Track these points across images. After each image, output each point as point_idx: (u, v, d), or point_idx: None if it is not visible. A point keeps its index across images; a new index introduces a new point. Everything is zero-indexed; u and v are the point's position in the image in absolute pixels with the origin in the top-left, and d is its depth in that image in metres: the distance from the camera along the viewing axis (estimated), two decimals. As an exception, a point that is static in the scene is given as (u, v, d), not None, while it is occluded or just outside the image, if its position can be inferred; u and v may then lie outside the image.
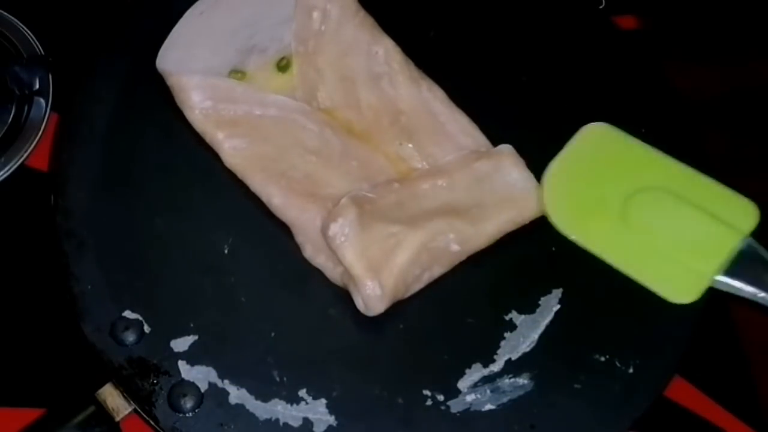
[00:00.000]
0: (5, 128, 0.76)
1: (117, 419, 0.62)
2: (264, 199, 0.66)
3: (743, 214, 0.62)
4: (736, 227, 0.61)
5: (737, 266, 0.60)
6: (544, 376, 0.63)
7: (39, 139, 0.77)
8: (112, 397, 0.62)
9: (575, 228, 0.63)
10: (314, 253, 0.65)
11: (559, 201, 0.64)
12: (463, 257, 0.65)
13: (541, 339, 0.64)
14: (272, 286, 0.65)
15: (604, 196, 0.63)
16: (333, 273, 0.64)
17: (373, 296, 0.62)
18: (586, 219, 0.63)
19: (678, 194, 0.63)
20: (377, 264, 0.62)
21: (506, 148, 0.68)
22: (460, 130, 0.69)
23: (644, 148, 0.66)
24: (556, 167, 0.65)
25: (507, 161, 0.68)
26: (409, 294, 0.64)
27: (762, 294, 0.59)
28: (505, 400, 0.62)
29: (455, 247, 0.64)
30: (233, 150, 0.67)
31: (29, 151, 0.76)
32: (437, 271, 0.65)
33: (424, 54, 0.71)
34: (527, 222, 0.67)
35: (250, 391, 0.60)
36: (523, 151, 0.68)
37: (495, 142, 0.70)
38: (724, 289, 0.61)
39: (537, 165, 0.68)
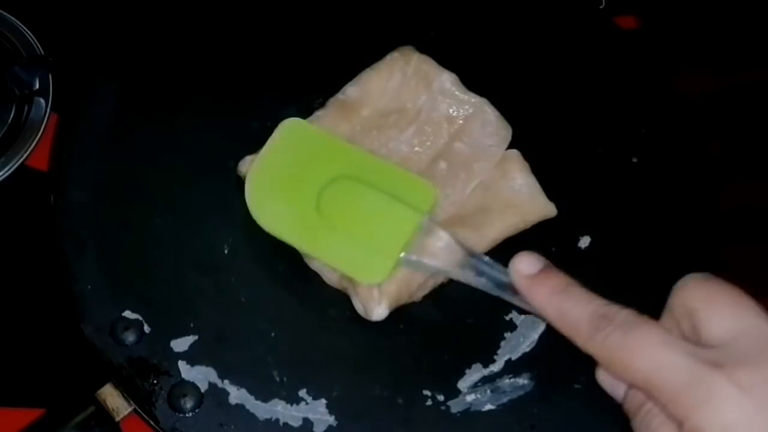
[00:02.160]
0: (5, 128, 0.76)
1: (117, 419, 0.62)
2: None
3: (423, 195, 0.63)
4: (417, 207, 0.62)
5: (419, 243, 0.61)
6: (544, 377, 0.63)
7: (39, 139, 0.76)
8: (112, 397, 0.62)
9: (278, 225, 0.64)
10: (313, 258, 0.65)
11: (261, 200, 0.64)
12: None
13: (541, 339, 0.64)
14: (272, 286, 0.65)
15: (301, 193, 0.64)
16: (331, 276, 0.64)
17: (371, 301, 0.62)
18: (286, 215, 0.64)
19: (364, 182, 0.64)
20: None
21: (513, 154, 0.68)
22: None
23: (334, 140, 0.66)
24: (257, 166, 0.65)
25: (513, 167, 0.67)
26: (413, 300, 0.64)
27: (441, 267, 0.60)
28: (505, 400, 0.62)
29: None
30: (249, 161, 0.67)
31: (29, 151, 0.76)
32: (441, 278, 0.65)
33: (425, 53, 0.71)
34: (530, 226, 0.67)
35: (250, 391, 0.60)
36: (520, 151, 0.68)
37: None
38: (413, 267, 0.62)
39: (536, 165, 0.68)
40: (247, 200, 0.64)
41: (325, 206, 0.63)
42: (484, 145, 0.68)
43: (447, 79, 0.69)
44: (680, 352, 0.43)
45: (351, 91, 0.69)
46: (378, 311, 0.61)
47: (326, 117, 0.68)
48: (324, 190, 0.63)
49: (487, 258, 0.58)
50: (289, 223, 0.63)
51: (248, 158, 0.66)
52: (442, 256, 0.60)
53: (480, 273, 0.58)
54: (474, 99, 0.69)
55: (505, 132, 0.69)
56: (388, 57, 0.70)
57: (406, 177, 0.65)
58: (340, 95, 0.69)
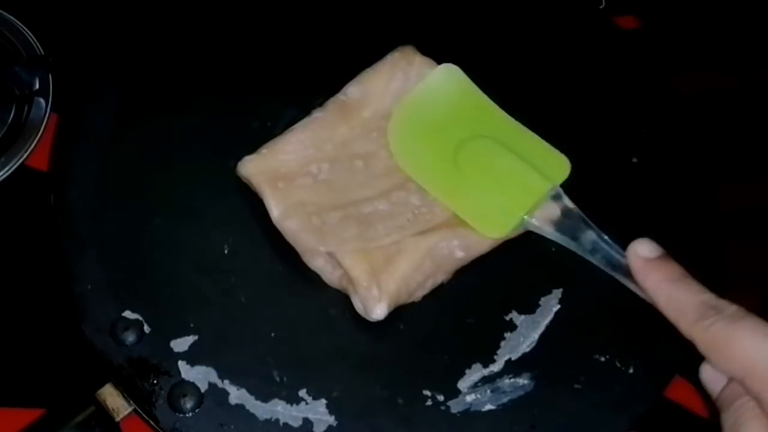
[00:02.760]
0: (5, 128, 0.76)
1: (117, 419, 0.62)
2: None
3: (557, 166, 0.66)
4: (548, 176, 0.65)
5: (544, 210, 0.64)
6: (544, 377, 0.63)
7: (39, 139, 0.77)
8: (112, 397, 0.62)
9: (416, 168, 0.66)
10: (312, 256, 0.65)
11: (403, 142, 0.67)
12: (467, 263, 0.65)
13: (541, 339, 0.64)
14: (272, 287, 0.65)
15: (442, 140, 0.67)
16: (331, 276, 0.64)
17: (372, 300, 0.62)
18: (425, 160, 0.67)
19: (503, 143, 0.67)
20: (378, 268, 0.62)
21: None
22: None
23: (483, 98, 0.69)
24: (405, 103, 0.68)
25: None
26: (412, 300, 0.64)
27: (560, 236, 0.63)
28: (505, 400, 0.62)
29: (459, 254, 0.64)
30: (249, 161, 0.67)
31: (29, 151, 0.76)
32: (441, 277, 0.65)
33: (425, 53, 0.71)
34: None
35: (250, 391, 0.61)
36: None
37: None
38: (532, 228, 0.64)
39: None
40: (389, 137, 0.67)
41: (461, 158, 0.66)
42: None
43: None
44: None
45: (352, 91, 0.69)
46: (378, 310, 0.62)
47: (326, 117, 0.68)
48: (464, 143, 0.66)
49: (606, 236, 0.61)
50: (425, 166, 0.66)
51: (247, 159, 0.66)
52: (562, 226, 0.63)
53: (595, 250, 0.60)
54: None
55: None
56: (389, 57, 0.70)
57: (543, 147, 0.68)
58: (340, 95, 0.69)
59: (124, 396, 0.62)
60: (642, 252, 0.52)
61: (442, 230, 0.64)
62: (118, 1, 0.83)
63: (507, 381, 0.62)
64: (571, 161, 0.68)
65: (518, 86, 0.73)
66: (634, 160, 0.72)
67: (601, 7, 0.87)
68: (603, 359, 0.63)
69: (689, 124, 0.74)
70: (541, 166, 0.66)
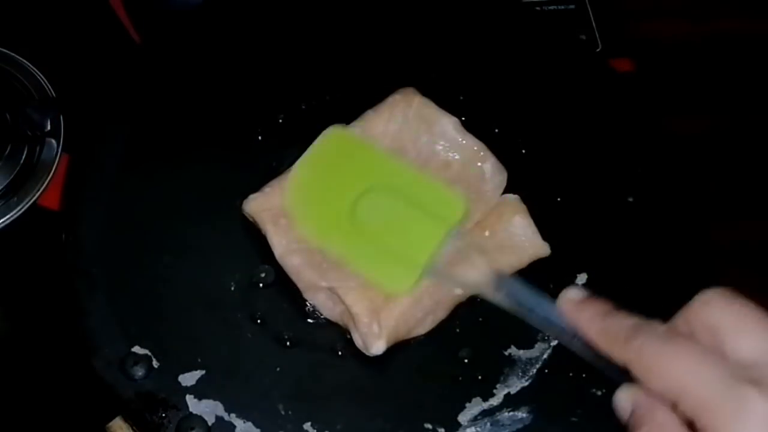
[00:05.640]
0: (18, 168, 0.77)
1: (126, 452, 0.63)
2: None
3: (452, 206, 0.64)
4: (444, 218, 0.63)
5: (449, 255, 0.62)
6: (543, 410, 0.64)
7: (50, 179, 0.77)
8: (121, 430, 0.63)
9: (317, 231, 0.65)
10: (313, 293, 0.66)
11: (299, 202, 0.66)
12: (464, 299, 0.66)
13: (539, 373, 0.65)
14: (277, 323, 0.66)
15: (337, 200, 0.65)
16: (332, 312, 0.65)
17: (371, 336, 0.63)
18: (321, 219, 0.65)
19: (397, 191, 0.65)
20: (378, 305, 0.63)
21: (512, 199, 0.69)
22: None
23: (373, 149, 0.68)
24: (298, 168, 0.67)
25: (512, 211, 0.68)
26: (412, 336, 0.65)
27: (469, 281, 0.61)
28: (504, 433, 0.63)
29: (457, 290, 0.65)
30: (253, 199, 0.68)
31: (41, 190, 0.77)
32: (440, 314, 0.65)
33: (425, 95, 0.73)
34: (525, 266, 0.68)
35: (256, 425, 0.61)
36: (519, 188, 0.70)
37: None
38: (441, 279, 0.63)
39: (534, 204, 0.69)
40: (287, 200, 0.66)
41: (358, 214, 0.64)
42: (481, 190, 0.69)
43: (448, 123, 0.70)
44: (716, 364, 0.44)
45: (353, 131, 0.70)
46: (377, 346, 0.62)
47: None
48: (358, 199, 0.64)
49: (518, 278, 0.58)
50: (323, 228, 0.65)
51: (252, 197, 0.67)
52: (470, 271, 0.61)
53: (511, 293, 0.58)
54: (474, 144, 0.70)
55: (501, 178, 0.70)
56: (390, 99, 0.71)
57: (436, 187, 0.66)
58: None
59: (133, 429, 0.63)
60: (571, 295, 0.52)
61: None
62: (127, 45, 0.84)
63: (506, 414, 0.63)
64: (569, 200, 0.69)
65: (516, 127, 0.75)
66: (630, 199, 0.73)
67: (597, 50, 0.88)
68: (600, 393, 0.64)
69: (683, 164, 0.75)
70: (436, 209, 0.64)
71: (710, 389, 0.43)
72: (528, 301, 0.56)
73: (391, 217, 0.64)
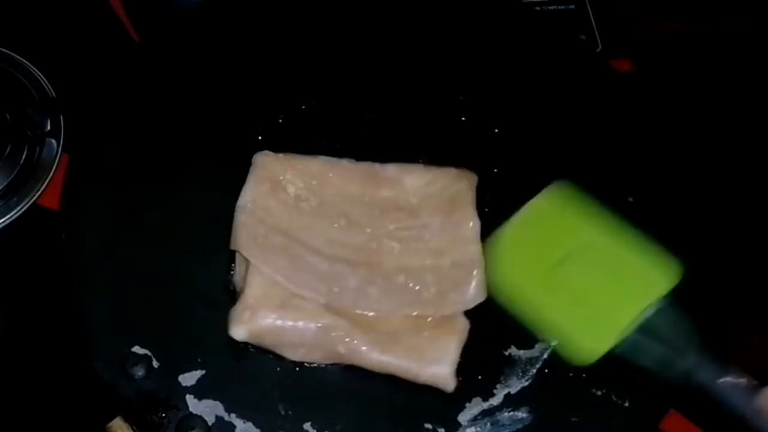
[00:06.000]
0: (18, 168, 0.77)
1: (126, 452, 0.63)
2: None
3: (661, 273, 0.63)
4: (648, 288, 0.62)
5: (653, 325, 0.61)
6: (543, 410, 0.64)
7: (51, 178, 0.77)
8: (121, 430, 0.63)
9: (517, 279, 0.64)
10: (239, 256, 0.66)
11: (509, 254, 0.65)
12: (344, 362, 0.64)
13: (539, 373, 0.65)
14: (277, 322, 0.66)
15: (546, 255, 0.64)
16: (236, 277, 0.66)
17: (238, 320, 0.62)
18: (527, 272, 0.64)
19: (604, 257, 0.64)
20: (267, 302, 0.63)
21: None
22: None
23: (586, 216, 0.67)
24: (513, 232, 0.66)
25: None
26: (277, 351, 0.64)
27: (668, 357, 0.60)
28: (504, 433, 0.63)
29: (341, 349, 0.63)
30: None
31: (41, 190, 0.76)
32: (316, 356, 0.64)
33: (425, 95, 0.73)
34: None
35: (256, 425, 0.61)
36: (520, 189, 0.70)
37: (495, 178, 0.71)
38: (638, 349, 0.61)
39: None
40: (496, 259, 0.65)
41: (562, 273, 0.63)
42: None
43: (471, 227, 0.68)
44: None
45: (391, 169, 0.70)
46: (237, 331, 0.62)
47: (351, 168, 0.69)
48: (566, 258, 0.64)
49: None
50: (525, 278, 0.64)
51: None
52: (674, 345, 0.59)
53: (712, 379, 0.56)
54: (474, 254, 0.67)
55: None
56: (444, 169, 0.70)
57: (644, 257, 0.64)
58: (378, 164, 0.70)
59: (133, 429, 0.62)
60: None
61: (340, 320, 0.64)
62: (127, 45, 0.84)
63: (506, 414, 0.63)
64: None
65: (516, 127, 0.75)
66: (630, 199, 0.73)
67: (597, 50, 0.88)
68: (600, 393, 0.64)
69: (684, 164, 0.75)
70: (641, 278, 0.62)
71: None
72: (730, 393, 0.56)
73: (593, 281, 0.63)
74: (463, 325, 0.65)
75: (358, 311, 0.65)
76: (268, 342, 0.63)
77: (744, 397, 0.54)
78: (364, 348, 0.63)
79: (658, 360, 0.60)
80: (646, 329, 0.60)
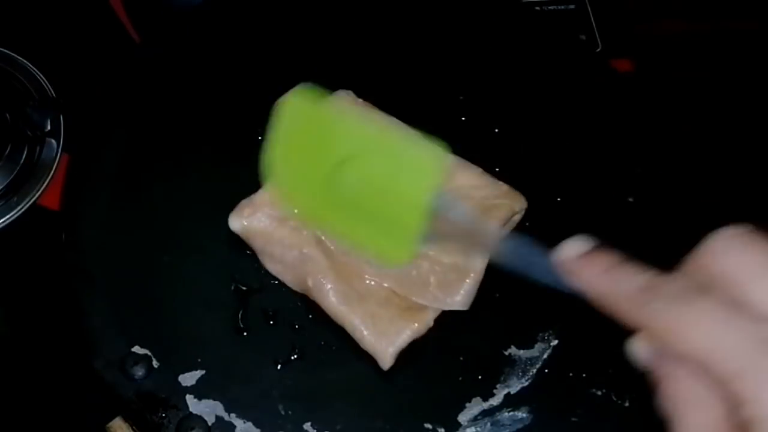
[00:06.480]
0: (18, 168, 0.77)
1: (126, 452, 0.63)
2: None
3: (435, 161, 0.56)
4: (429, 176, 0.56)
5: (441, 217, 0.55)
6: (543, 410, 0.64)
7: (50, 178, 0.77)
8: (121, 430, 0.63)
9: (301, 209, 0.60)
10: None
11: (284, 185, 0.59)
12: (310, 295, 0.65)
13: (539, 373, 0.65)
14: (277, 323, 0.66)
15: (315, 171, 0.58)
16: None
17: (235, 212, 0.66)
18: (306, 198, 0.59)
19: (372, 158, 0.58)
20: (269, 209, 0.65)
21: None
22: None
23: (334, 118, 0.60)
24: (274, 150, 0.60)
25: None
26: (263, 257, 0.66)
27: (465, 244, 0.57)
28: (504, 433, 0.63)
29: (309, 282, 0.65)
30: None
31: (41, 190, 0.77)
32: (288, 278, 0.66)
33: (425, 95, 0.73)
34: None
35: (256, 425, 0.61)
36: (520, 190, 0.69)
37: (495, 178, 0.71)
38: (438, 242, 0.60)
39: (535, 203, 0.69)
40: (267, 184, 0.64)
41: (338, 186, 0.58)
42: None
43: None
44: (745, 325, 0.39)
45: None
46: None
47: None
48: (335, 170, 0.58)
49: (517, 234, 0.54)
50: (307, 204, 0.59)
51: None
52: (464, 233, 0.55)
53: (510, 249, 0.51)
54: (477, 266, 0.66)
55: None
56: (496, 182, 0.70)
57: (413, 144, 0.58)
58: None
59: (133, 429, 0.63)
60: (570, 252, 0.47)
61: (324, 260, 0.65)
62: (127, 45, 0.84)
63: (506, 414, 0.63)
64: (568, 200, 0.69)
65: (516, 127, 0.75)
66: (630, 199, 0.73)
67: (597, 50, 0.88)
68: (600, 393, 0.64)
69: (683, 164, 0.75)
70: (417, 169, 0.56)
71: (741, 354, 0.38)
72: (527, 257, 0.51)
73: (372, 184, 0.58)
74: (427, 322, 0.65)
75: (344, 259, 0.66)
76: (256, 244, 0.66)
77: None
78: (329, 289, 0.65)
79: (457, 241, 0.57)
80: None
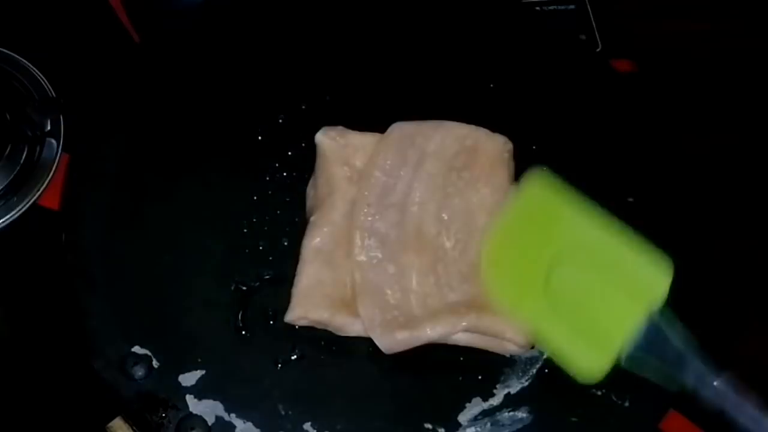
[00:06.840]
0: (18, 168, 0.77)
1: (126, 452, 0.63)
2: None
3: (654, 282, 0.57)
4: (643, 296, 0.57)
5: (649, 339, 0.56)
6: (543, 410, 0.64)
7: (51, 178, 0.77)
8: (121, 430, 0.63)
9: (511, 298, 0.61)
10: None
11: (498, 266, 0.61)
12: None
13: (539, 373, 0.65)
14: (277, 322, 0.66)
15: (533, 263, 0.59)
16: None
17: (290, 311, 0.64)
18: (518, 288, 0.60)
19: (594, 259, 0.59)
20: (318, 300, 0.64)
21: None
22: None
23: (572, 209, 0.62)
24: (497, 239, 0.61)
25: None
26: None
27: (674, 373, 0.56)
28: (504, 433, 0.63)
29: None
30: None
31: (41, 190, 0.76)
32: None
33: (425, 95, 0.73)
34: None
35: (256, 425, 0.61)
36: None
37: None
38: (638, 365, 0.58)
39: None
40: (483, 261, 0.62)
41: (552, 284, 0.59)
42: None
43: None
44: None
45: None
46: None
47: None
48: (553, 265, 0.59)
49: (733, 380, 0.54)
50: (518, 295, 0.60)
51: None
52: (675, 360, 0.55)
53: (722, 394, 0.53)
54: None
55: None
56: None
57: (637, 257, 0.59)
58: None
59: (133, 429, 0.63)
60: None
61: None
62: (127, 45, 0.84)
63: (506, 414, 0.63)
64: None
65: (516, 127, 0.74)
66: (630, 199, 0.73)
67: (597, 50, 0.88)
68: (599, 393, 0.64)
69: (684, 165, 0.75)
70: (635, 284, 0.57)
71: None
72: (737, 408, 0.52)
73: (586, 289, 0.58)
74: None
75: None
76: (320, 326, 0.65)
77: (737, 399, 0.52)
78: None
79: (658, 371, 0.57)
80: (645, 342, 0.57)
